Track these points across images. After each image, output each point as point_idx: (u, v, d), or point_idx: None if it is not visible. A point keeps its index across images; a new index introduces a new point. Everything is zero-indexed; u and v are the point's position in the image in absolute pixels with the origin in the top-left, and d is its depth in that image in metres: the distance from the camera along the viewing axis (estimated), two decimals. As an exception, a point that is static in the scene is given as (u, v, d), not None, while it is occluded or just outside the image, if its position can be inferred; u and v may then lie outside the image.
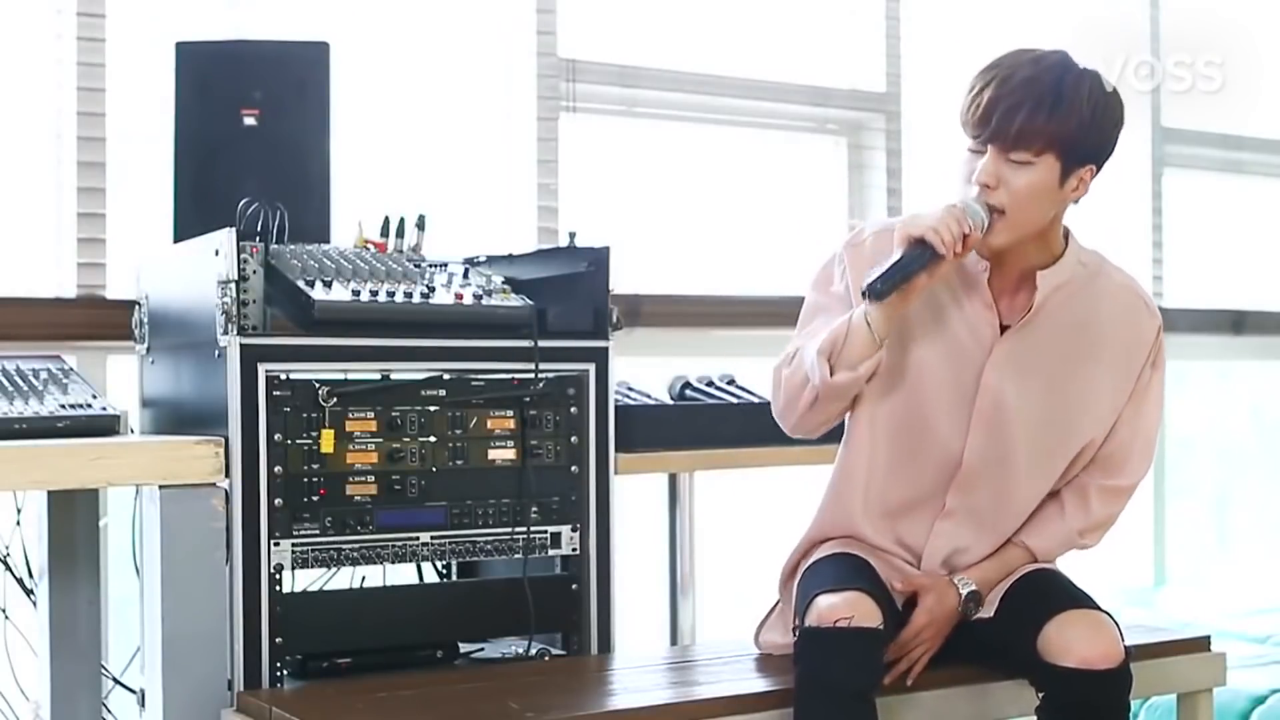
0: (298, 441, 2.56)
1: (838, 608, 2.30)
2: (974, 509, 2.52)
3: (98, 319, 3.24)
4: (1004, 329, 2.49)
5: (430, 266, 2.79)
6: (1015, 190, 2.36)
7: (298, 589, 2.63)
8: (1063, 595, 2.44)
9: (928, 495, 2.53)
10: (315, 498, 2.58)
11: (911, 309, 2.44)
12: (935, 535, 2.53)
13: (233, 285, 2.53)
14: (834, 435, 2.58)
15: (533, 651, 2.74)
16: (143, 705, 2.59)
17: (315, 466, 2.58)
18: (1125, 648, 2.37)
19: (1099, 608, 2.42)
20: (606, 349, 2.82)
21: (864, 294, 2.35)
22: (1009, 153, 2.36)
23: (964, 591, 2.48)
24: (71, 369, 2.79)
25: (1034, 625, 2.38)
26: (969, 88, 2.40)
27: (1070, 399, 2.51)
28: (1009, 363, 2.48)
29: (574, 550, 2.79)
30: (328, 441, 2.58)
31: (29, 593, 2.93)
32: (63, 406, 2.62)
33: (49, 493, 2.75)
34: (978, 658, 2.51)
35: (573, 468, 2.79)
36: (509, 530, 2.73)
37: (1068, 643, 2.34)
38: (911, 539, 2.55)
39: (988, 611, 2.49)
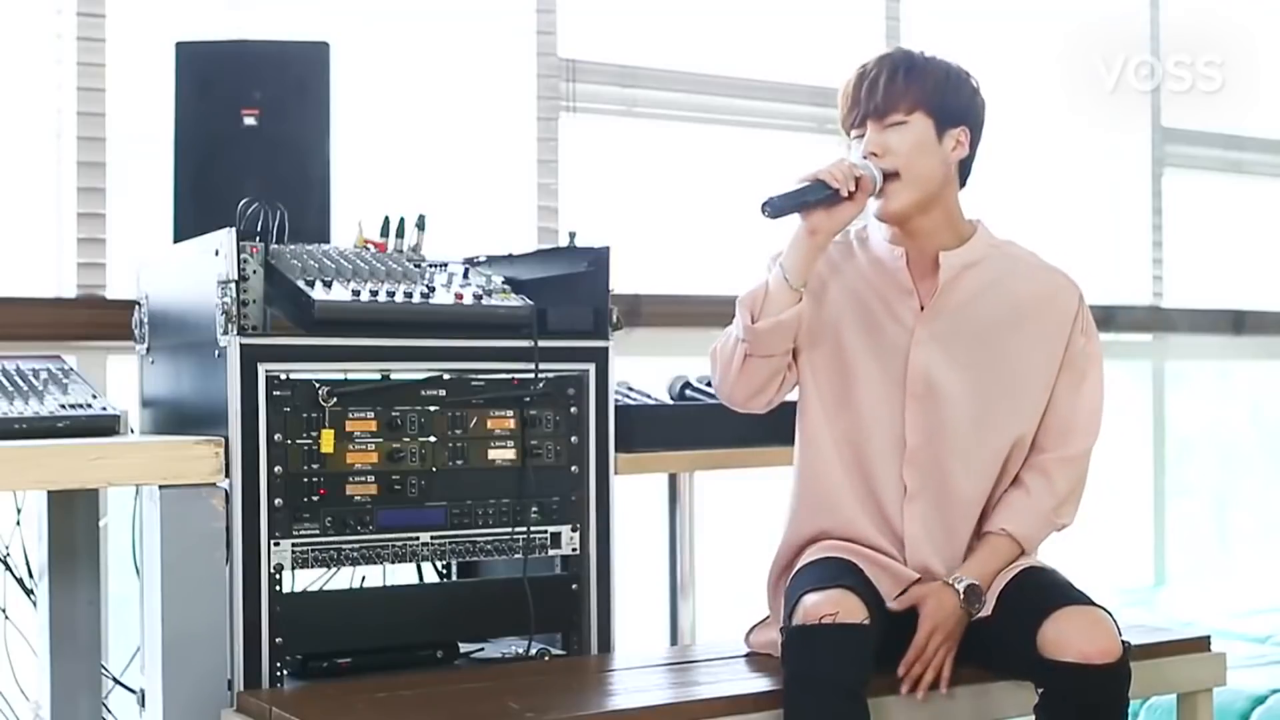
0: (298, 441, 2.56)
1: (822, 605, 2.33)
2: (933, 489, 2.57)
3: (98, 319, 3.24)
4: (924, 310, 2.59)
5: (430, 266, 2.79)
6: (900, 151, 2.53)
7: (298, 589, 2.63)
8: (1060, 592, 2.45)
9: (888, 479, 2.58)
10: (315, 498, 2.57)
11: (839, 299, 2.59)
12: (909, 521, 2.57)
13: (233, 285, 2.53)
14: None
15: (533, 651, 2.74)
16: (143, 705, 2.59)
17: (315, 466, 2.57)
18: (1124, 643, 2.38)
19: (1096, 604, 2.43)
20: (606, 349, 2.82)
21: (762, 208, 2.48)
22: (883, 120, 2.54)
23: (960, 588, 2.48)
24: (71, 369, 2.79)
25: (1032, 622, 2.39)
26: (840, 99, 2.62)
27: (1000, 372, 2.59)
28: (933, 341, 2.58)
29: (574, 550, 2.79)
30: (328, 441, 2.58)
31: (29, 593, 2.93)
32: (63, 406, 2.62)
33: (49, 493, 2.75)
34: (977, 657, 2.51)
35: (573, 468, 2.79)
36: (509, 530, 2.73)
37: (1066, 638, 2.35)
38: (891, 514, 2.57)
39: (986, 611, 2.49)
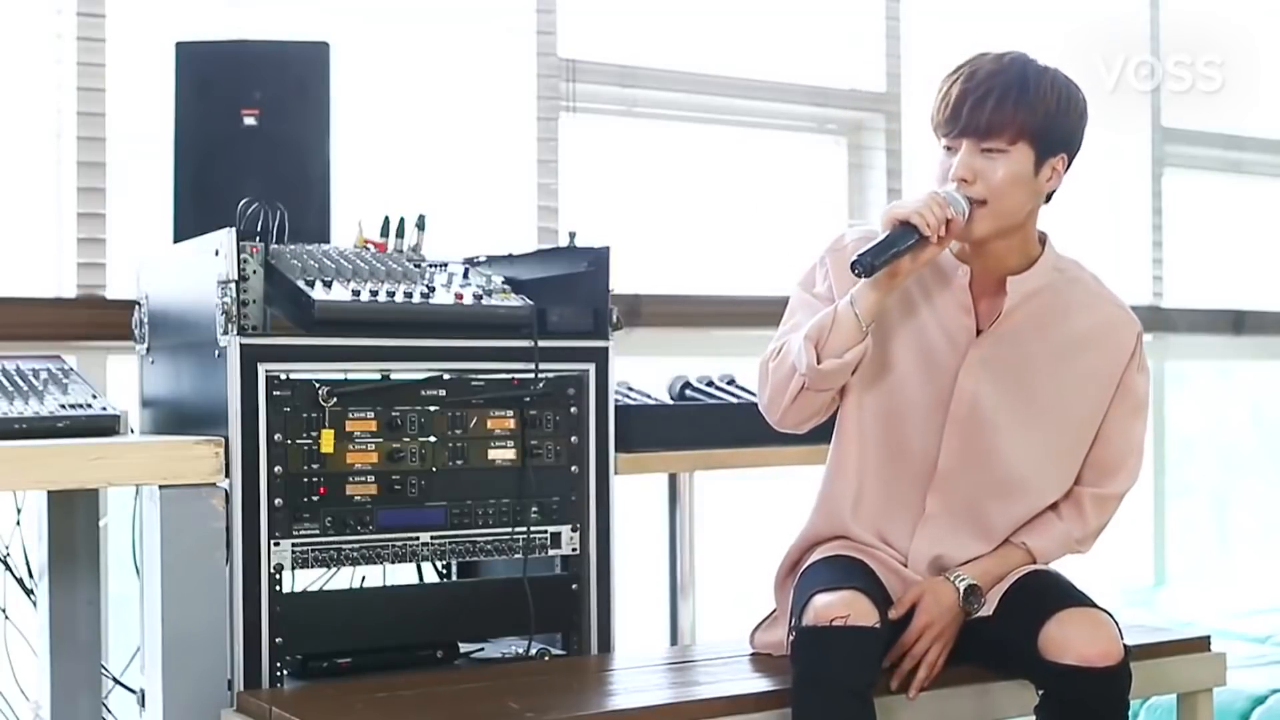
0: (298, 441, 2.56)
1: (834, 606, 2.31)
2: (954, 514, 2.54)
3: (98, 319, 3.24)
4: (980, 334, 2.52)
5: (430, 266, 2.79)
6: (993, 182, 2.41)
7: (298, 589, 2.63)
8: (1062, 594, 2.45)
9: (909, 498, 2.55)
10: (315, 498, 2.58)
11: (892, 307, 2.48)
12: (918, 539, 2.55)
13: (233, 285, 2.53)
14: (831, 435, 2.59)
15: (533, 651, 2.74)
16: (143, 705, 2.59)
17: (315, 466, 2.58)
18: (1124, 646, 2.38)
19: (1098, 606, 2.42)
20: (606, 349, 2.82)
21: (854, 268, 2.37)
22: (982, 144, 2.40)
23: (960, 586, 2.48)
24: (71, 369, 2.79)
25: (1033, 623, 2.38)
26: (937, 90, 2.46)
27: (1048, 404, 2.53)
28: (983, 367, 2.51)
29: (574, 550, 2.79)
30: (328, 441, 2.58)
31: (29, 593, 2.93)
32: (63, 406, 2.62)
33: (49, 493, 2.75)
34: (978, 658, 2.51)
35: (573, 468, 2.79)
36: (509, 530, 2.73)
37: (1067, 640, 2.35)
38: (896, 541, 2.56)
39: (987, 611, 2.49)
